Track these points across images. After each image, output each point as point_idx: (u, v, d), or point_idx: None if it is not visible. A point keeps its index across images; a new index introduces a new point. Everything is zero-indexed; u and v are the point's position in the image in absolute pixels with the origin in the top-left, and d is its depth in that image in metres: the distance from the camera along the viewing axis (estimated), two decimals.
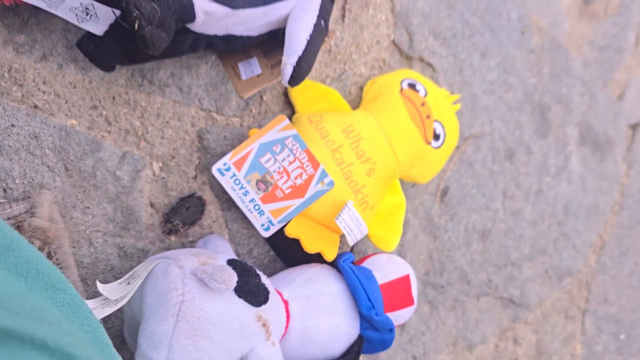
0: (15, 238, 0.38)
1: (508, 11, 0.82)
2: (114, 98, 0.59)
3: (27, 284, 0.37)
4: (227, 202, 0.64)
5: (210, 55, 0.62)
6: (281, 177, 0.60)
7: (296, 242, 0.61)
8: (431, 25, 0.75)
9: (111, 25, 0.51)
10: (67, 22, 0.57)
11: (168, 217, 0.61)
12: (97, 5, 0.49)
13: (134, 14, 0.43)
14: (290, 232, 0.60)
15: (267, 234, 0.61)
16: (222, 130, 0.63)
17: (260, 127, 0.65)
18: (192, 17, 0.49)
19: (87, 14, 0.49)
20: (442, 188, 0.75)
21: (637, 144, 0.97)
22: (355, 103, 0.71)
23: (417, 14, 0.74)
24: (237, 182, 0.60)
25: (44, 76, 0.57)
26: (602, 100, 0.90)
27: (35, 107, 0.57)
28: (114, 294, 0.49)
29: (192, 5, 0.48)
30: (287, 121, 0.60)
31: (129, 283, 0.50)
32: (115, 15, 0.45)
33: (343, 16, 0.69)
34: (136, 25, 0.43)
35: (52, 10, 0.49)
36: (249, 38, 0.56)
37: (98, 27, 0.51)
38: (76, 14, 0.49)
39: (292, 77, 0.53)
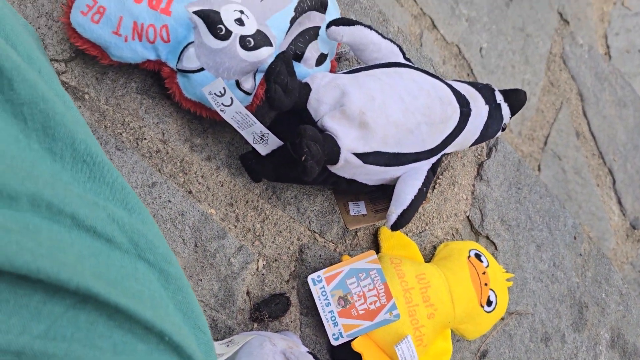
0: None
1: (565, 217, 0.97)
2: (247, 202, 0.75)
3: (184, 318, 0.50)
4: (307, 309, 0.77)
5: (327, 190, 0.78)
6: (359, 299, 0.73)
7: (357, 357, 0.72)
8: (501, 212, 0.90)
9: (273, 150, 0.68)
10: (233, 138, 0.75)
11: (258, 306, 0.74)
12: (272, 135, 0.66)
13: (304, 150, 0.59)
14: (356, 346, 0.71)
15: (335, 343, 0.72)
16: (320, 250, 0.78)
17: (350, 255, 0.79)
18: (335, 161, 0.65)
19: (262, 138, 0.66)
20: (482, 350, 0.85)
21: None
22: (427, 258, 0.84)
23: (492, 201, 0.90)
24: (323, 293, 0.73)
25: (204, 172, 0.73)
26: (636, 315, 1.01)
27: (190, 192, 0.73)
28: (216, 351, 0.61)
29: (339, 153, 0.64)
30: (375, 256, 0.74)
31: (227, 346, 0.62)
32: (289, 148, 0.61)
33: (434, 187, 0.85)
34: (303, 159, 0.60)
35: (239, 130, 0.66)
36: (365, 185, 0.72)
37: (264, 149, 0.68)
38: (254, 137, 0.66)
39: (394, 223, 0.67)
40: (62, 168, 0.45)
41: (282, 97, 0.63)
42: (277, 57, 0.63)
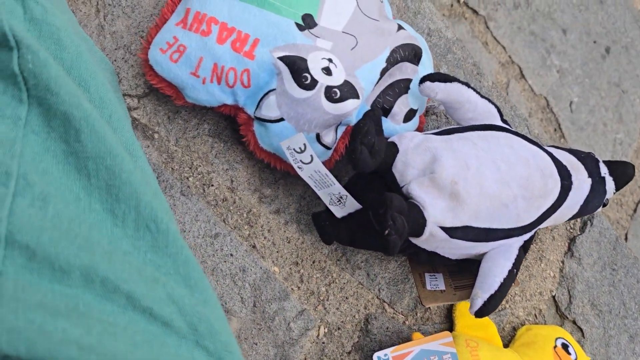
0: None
1: None
2: (313, 262, 0.69)
3: None
4: None
5: (402, 257, 0.71)
6: None
7: None
8: (592, 295, 0.80)
9: (350, 214, 0.61)
10: (305, 191, 0.69)
11: None
12: (350, 198, 0.60)
13: (388, 223, 0.53)
14: None
15: None
16: (387, 322, 0.70)
17: (419, 330, 0.71)
18: (419, 234, 0.58)
19: (339, 200, 0.60)
20: None
21: None
22: (505, 340, 0.75)
23: (582, 282, 0.80)
24: None
25: (271, 226, 0.68)
26: None
27: (254, 247, 0.67)
28: None
29: (424, 226, 0.57)
30: (450, 338, 0.66)
31: None
32: (371, 218, 0.55)
33: None
34: (386, 232, 0.53)
35: (315, 189, 0.60)
36: (448, 259, 0.64)
37: (340, 212, 0.61)
38: (331, 198, 0.60)
39: (480, 309, 0.59)
40: (122, 234, 0.40)
41: (367, 159, 0.56)
42: (366, 114, 0.57)
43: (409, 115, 0.66)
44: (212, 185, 0.67)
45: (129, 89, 0.65)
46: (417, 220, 0.57)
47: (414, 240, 0.61)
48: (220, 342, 0.40)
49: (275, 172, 0.68)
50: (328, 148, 0.63)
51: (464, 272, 0.69)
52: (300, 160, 0.58)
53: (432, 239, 0.60)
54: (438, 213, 0.58)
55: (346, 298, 0.70)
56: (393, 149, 0.60)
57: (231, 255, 0.66)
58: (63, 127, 0.39)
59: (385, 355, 0.66)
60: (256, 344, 0.66)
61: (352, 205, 0.60)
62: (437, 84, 0.63)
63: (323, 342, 0.69)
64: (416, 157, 0.60)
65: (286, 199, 0.69)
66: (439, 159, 0.59)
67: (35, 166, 0.37)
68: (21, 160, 0.36)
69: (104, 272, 0.35)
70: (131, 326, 0.36)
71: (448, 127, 0.66)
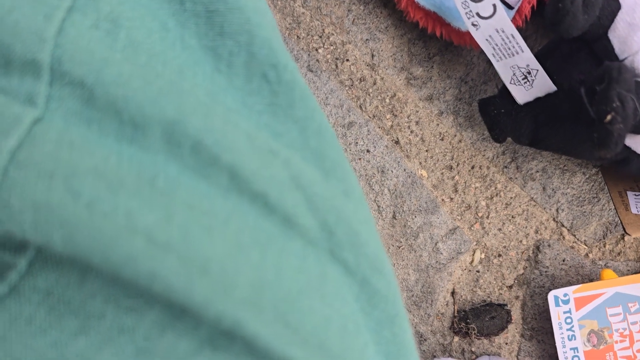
0: None
1: None
2: (472, 167, 0.53)
3: None
4: (534, 332, 0.54)
5: (591, 168, 0.53)
6: (621, 341, 0.48)
7: None
8: None
9: (537, 99, 0.44)
10: (467, 72, 0.52)
11: (464, 315, 0.52)
12: (541, 74, 0.42)
13: (613, 104, 0.35)
14: None
15: None
16: (564, 252, 0.53)
17: (608, 267, 0.53)
18: None
19: (525, 77, 0.43)
20: None
21: None
22: None
23: None
24: (568, 320, 0.49)
25: (420, 117, 0.52)
26: None
27: (397, 142, 0.52)
28: None
29: None
30: None
31: None
32: (583, 97, 0.37)
33: None
34: (608, 117, 0.35)
35: (493, 59, 0.43)
36: None
37: (524, 95, 0.44)
38: (513, 74, 0.43)
39: None
40: (227, 83, 0.27)
41: (577, 14, 0.38)
42: None
43: None
44: (347, 60, 0.52)
45: None
46: None
47: (630, 140, 0.43)
48: (365, 255, 0.26)
49: (431, 44, 0.52)
50: (510, 7, 0.45)
51: None
52: (477, 14, 0.40)
53: None
54: None
55: (512, 217, 0.53)
56: (612, 4, 0.41)
57: (368, 151, 0.51)
58: None
59: (566, 295, 0.49)
60: (393, 265, 0.52)
61: (543, 84, 0.43)
62: None
63: (478, 271, 0.53)
64: None
65: (442, 81, 0.52)
66: None
67: None
68: None
69: (197, 133, 0.22)
70: (235, 218, 0.22)
71: None
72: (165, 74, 0.23)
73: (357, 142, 0.51)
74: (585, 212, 0.53)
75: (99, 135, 0.21)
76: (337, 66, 0.52)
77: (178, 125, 0.21)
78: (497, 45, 0.42)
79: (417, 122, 0.52)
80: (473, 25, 0.41)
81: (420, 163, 0.52)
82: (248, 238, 0.22)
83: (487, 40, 0.42)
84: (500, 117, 0.47)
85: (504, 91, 0.46)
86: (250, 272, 0.21)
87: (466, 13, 0.41)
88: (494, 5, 0.40)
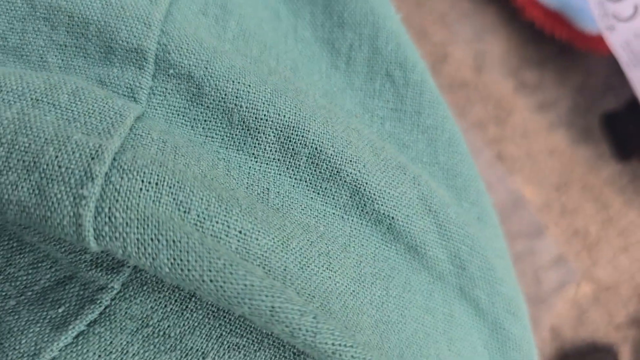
0: None
1: None
2: (584, 187, 0.46)
3: None
4: None
5: None
6: None
7: None
8: None
9: None
10: (585, 80, 0.46)
11: (564, 357, 0.46)
12: None
13: None
14: None
15: None
16: None
17: None
18: None
19: None
20: None
21: None
22: None
23: None
24: None
25: (527, 127, 0.46)
26: None
27: (498, 155, 0.46)
28: None
29: None
30: None
31: None
32: None
33: None
34: None
35: (625, 68, 0.37)
36: None
37: None
38: None
39: None
40: (346, 82, 0.23)
41: None
42: None
43: None
44: (446, 62, 0.47)
45: None
46: None
47: None
48: (500, 295, 0.22)
49: (545, 47, 0.46)
50: None
51: None
52: (613, 15, 0.35)
53: None
54: None
55: (625, 248, 0.47)
56: None
57: None
58: None
59: None
60: None
61: None
62: None
63: (582, 306, 0.47)
64: None
65: (555, 89, 0.46)
66: None
67: None
68: None
69: (316, 140, 0.19)
70: (355, 244, 0.19)
71: None
72: (279, 71, 0.20)
73: None
74: None
75: (204, 138, 0.18)
76: (435, 68, 0.47)
77: (295, 130, 0.18)
78: (633, 51, 0.36)
79: (523, 134, 0.46)
80: (609, 28, 0.35)
81: (525, 179, 0.46)
82: (370, 268, 0.18)
83: (623, 44, 0.36)
84: (628, 132, 0.40)
85: (634, 105, 0.40)
86: (374, 311, 0.17)
87: (601, 15, 0.35)
88: (636, 7, 0.34)
